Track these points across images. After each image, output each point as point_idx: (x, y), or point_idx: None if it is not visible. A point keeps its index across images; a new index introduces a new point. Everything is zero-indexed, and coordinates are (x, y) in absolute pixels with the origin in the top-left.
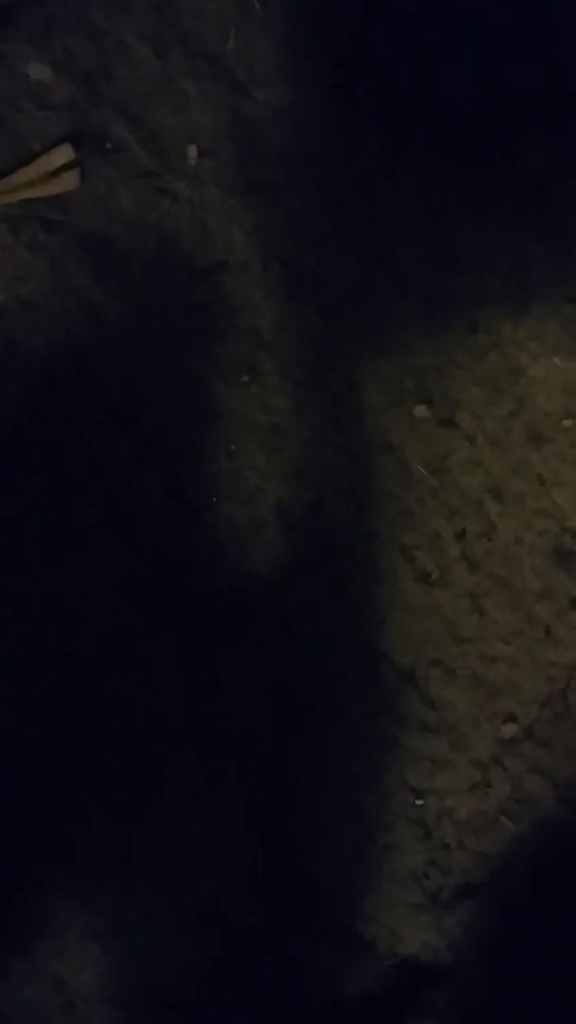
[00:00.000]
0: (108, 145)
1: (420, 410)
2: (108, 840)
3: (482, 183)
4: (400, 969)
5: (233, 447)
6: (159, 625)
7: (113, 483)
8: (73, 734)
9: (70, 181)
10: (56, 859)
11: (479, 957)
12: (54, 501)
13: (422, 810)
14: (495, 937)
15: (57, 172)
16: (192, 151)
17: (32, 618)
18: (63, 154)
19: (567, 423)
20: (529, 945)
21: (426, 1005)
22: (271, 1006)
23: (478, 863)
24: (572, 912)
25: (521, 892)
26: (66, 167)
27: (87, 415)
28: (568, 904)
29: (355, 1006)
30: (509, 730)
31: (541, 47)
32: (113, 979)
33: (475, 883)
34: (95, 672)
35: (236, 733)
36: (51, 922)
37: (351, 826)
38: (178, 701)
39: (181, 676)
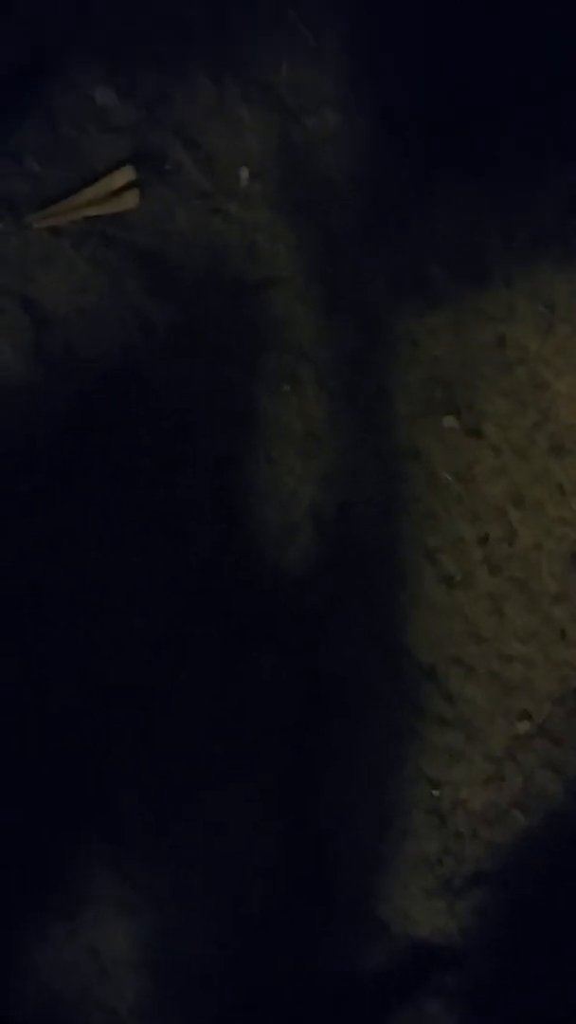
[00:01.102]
0: (167, 167)
1: (448, 420)
2: (145, 817)
3: (510, 207)
4: (412, 951)
5: (272, 453)
6: (200, 618)
7: (161, 485)
8: (118, 716)
9: (130, 200)
10: (96, 833)
11: (489, 943)
12: (106, 500)
13: (438, 800)
14: (504, 924)
15: (118, 192)
16: (244, 173)
17: (83, 610)
18: (124, 175)
19: None
20: (537, 933)
21: (436, 986)
22: (290, 979)
23: (490, 853)
24: None
25: (530, 882)
26: (127, 187)
27: (138, 419)
28: (574, 894)
29: (369, 983)
30: (523, 726)
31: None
32: (144, 948)
33: (486, 872)
34: (140, 659)
35: (267, 721)
36: (88, 892)
37: (371, 812)
38: (215, 690)
39: (219, 666)
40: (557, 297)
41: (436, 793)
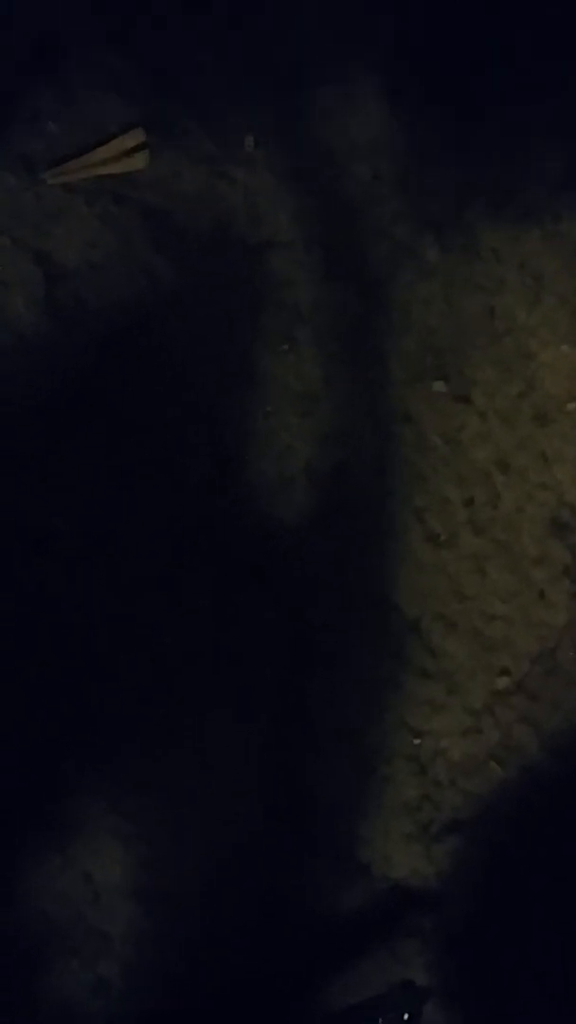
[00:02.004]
0: (176, 131)
1: (438, 386)
2: (138, 752)
3: (501, 182)
4: (391, 892)
5: (270, 409)
6: (194, 564)
7: (163, 435)
8: (113, 656)
9: (140, 161)
10: (92, 765)
11: (463, 886)
12: (109, 449)
13: (418, 749)
14: (478, 869)
15: (129, 152)
16: (249, 141)
17: (85, 552)
18: (135, 137)
19: (571, 406)
20: (509, 878)
21: (413, 926)
22: (274, 914)
23: (467, 801)
24: (550, 850)
25: (504, 830)
26: (137, 148)
27: (144, 371)
28: (547, 843)
29: (349, 922)
30: (502, 682)
31: (566, 62)
32: (136, 876)
33: (463, 819)
34: (138, 601)
35: (257, 665)
36: (83, 821)
37: (354, 757)
38: (208, 632)
39: (212, 611)
40: (545, 270)
41: (417, 742)
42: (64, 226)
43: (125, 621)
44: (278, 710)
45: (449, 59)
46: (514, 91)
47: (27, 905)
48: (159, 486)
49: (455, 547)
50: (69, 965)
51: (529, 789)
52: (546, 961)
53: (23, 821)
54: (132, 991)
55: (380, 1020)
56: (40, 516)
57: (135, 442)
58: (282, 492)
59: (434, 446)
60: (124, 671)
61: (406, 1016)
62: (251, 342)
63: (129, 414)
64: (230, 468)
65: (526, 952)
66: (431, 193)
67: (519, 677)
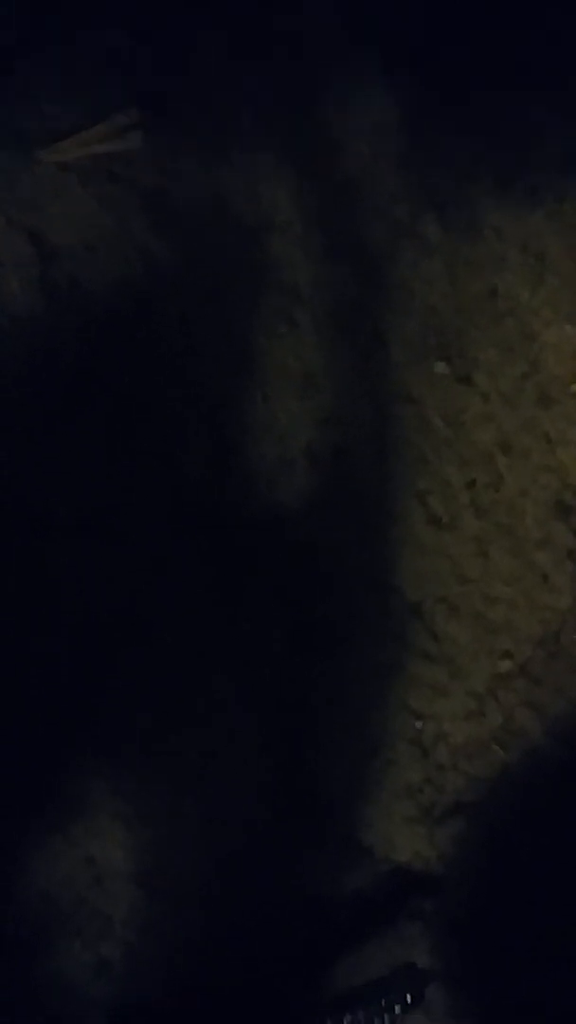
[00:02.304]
0: (172, 110)
1: (440, 367)
2: (141, 737)
3: (504, 160)
4: (394, 875)
5: (269, 391)
6: (194, 548)
7: (161, 418)
8: (113, 641)
9: (135, 140)
10: (94, 749)
11: (466, 869)
12: (107, 433)
13: (421, 732)
14: (481, 853)
15: (125, 131)
16: (247, 120)
17: (81, 537)
18: (131, 115)
19: (575, 387)
20: (511, 862)
21: (415, 910)
22: (276, 898)
23: (469, 784)
24: (553, 834)
25: (507, 814)
26: (133, 127)
27: (139, 354)
28: (550, 826)
29: (351, 905)
30: (505, 666)
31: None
32: (138, 861)
33: (466, 802)
34: (137, 587)
35: (258, 650)
36: (85, 805)
37: (357, 741)
38: (210, 619)
39: (212, 596)
40: (548, 249)
41: (419, 725)
42: (59, 205)
43: (122, 609)
44: (280, 694)
45: (452, 38)
46: (518, 70)
47: (29, 887)
48: (158, 470)
49: (457, 530)
50: (71, 947)
51: (532, 772)
52: (549, 944)
53: (24, 804)
54: (135, 972)
55: (383, 1002)
56: (36, 501)
57: (133, 425)
58: (282, 475)
59: (436, 428)
60: (125, 656)
61: (408, 998)
62: (249, 324)
63: (126, 397)
64: (230, 451)
65: (529, 935)
66: (432, 172)
67: (522, 660)
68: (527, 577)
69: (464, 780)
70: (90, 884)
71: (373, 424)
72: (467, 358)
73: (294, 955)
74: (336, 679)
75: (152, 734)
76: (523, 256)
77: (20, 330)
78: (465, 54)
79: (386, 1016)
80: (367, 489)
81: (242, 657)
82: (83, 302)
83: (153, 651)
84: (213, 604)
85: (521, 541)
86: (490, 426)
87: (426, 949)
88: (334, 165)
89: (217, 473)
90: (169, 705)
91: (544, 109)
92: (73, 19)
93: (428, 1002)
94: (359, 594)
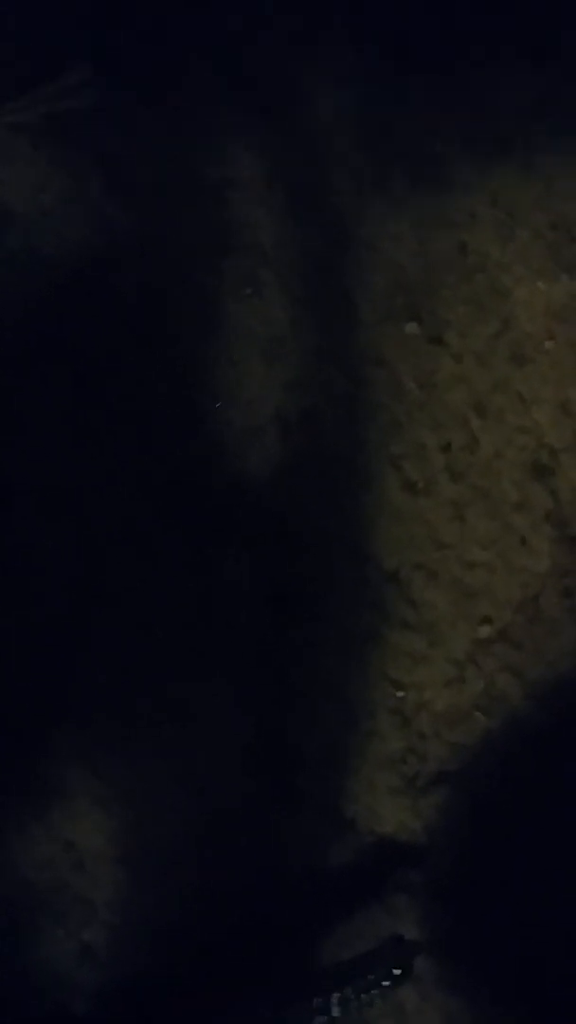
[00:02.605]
0: (126, 65)
1: (411, 327)
2: (116, 714)
3: (472, 113)
4: (378, 847)
5: (235, 356)
6: (165, 518)
7: (125, 386)
8: (85, 615)
9: (89, 98)
10: (69, 729)
11: (451, 839)
12: (70, 402)
13: (401, 701)
14: (466, 821)
15: (76, 89)
16: (205, 74)
17: (49, 509)
18: (82, 72)
19: (548, 344)
20: (497, 830)
21: (401, 881)
22: (259, 873)
23: (452, 752)
24: (537, 799)
25: (491, 780)
26: (86, 84)
27: (101, 321)
28: (534, 792)
29: (336, 878)
30: (484, 631)
31: None
32: (118, 841)
33: (449, 771)
34: (107, 559)
35: (233, 621)
36: (63, 788)
37: (336, 712)
38: (183, 590)
39: (184, 566)
40: (517, 203)
41: (400, 695)
42: (11, 169)
43: (92, 582)
44: (257, 668)
45: None
46: (484, 15)
47: (8, 875)
48: (124, 439)
49: (433, 494)
50: (54, 934)
51: (514, 738)
52: (536, 911)
53: (0, 790)
54: (120, 956)
55: (371, 976)
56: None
57: (97, 394)
58: (252, 443)
59: (408, 390)
60: (97, 633)
61: (397, 971)
62: (213, 287)
63: (89, 364)
64: (197, 419)
65: (516, 903)
66: (398, 125)
67: (502, 625)
68: (505, 540)
69: (447, 748)
70: (71, 869)
71: (343, 388)
72: (437, 317)
73: (280, 930)
74: (313, 650)
75: (128, 711)
76: (492, 210)
77: None
78: (431, 3)
79: (375, 989)
80: (339, 455)
81: (217, 629)
82: (41, 268)
83: (125, 625)
84: (186, 576)
85: (498, 504)
86: (463, 387)
87: (413, 920)
88: (297, 120)
89: (185, 441)
90: (144, 681)
91: (512, 55)
92: None
93: (417, 974)
94: (334, 562)
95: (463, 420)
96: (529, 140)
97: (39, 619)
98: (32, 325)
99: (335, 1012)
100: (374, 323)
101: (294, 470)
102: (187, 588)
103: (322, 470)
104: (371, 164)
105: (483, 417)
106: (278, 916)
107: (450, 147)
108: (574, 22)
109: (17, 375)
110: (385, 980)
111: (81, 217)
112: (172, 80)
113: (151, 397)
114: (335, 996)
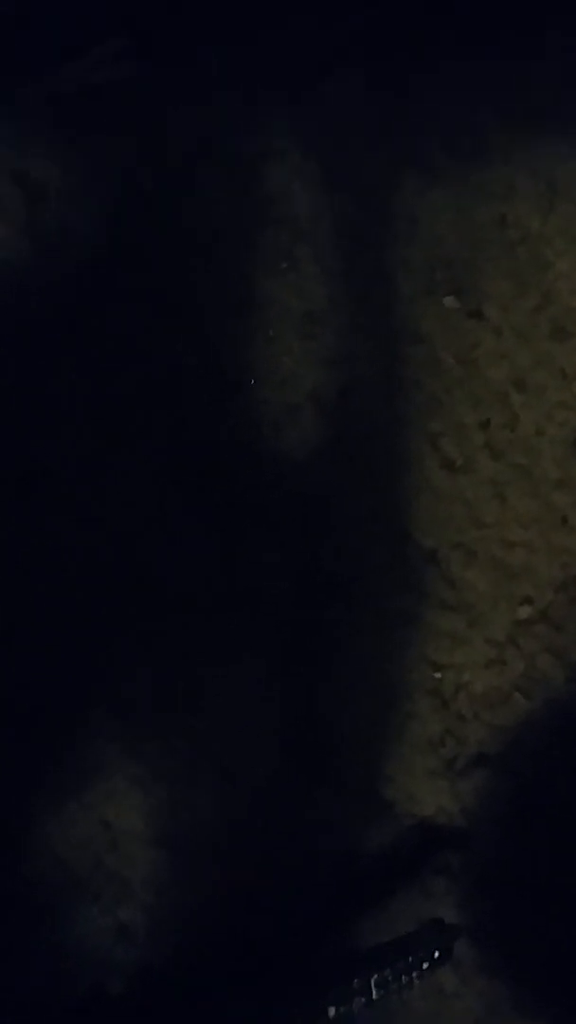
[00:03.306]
0: (162, 36)
1: (449, 301)
2: (152, 695)
3: (507, 82)
4: (417, 830)
5: (271, 332)
6: (197, 499)
7: (158, 363)
8: (120, 597)
9: (125, 70)
10: (105, 710)
11: (491, 822)
12: (98, 379)
13: (440, 683)
14: (506, 804)
15: (112, 61)
16: (240, 45)
17: (77, 490)
18: (118, 44)
19: None
20: (536, 813)
21: (440, 864)
22: (297, 856)
23: (492, 735)
24: None
25: (531, 763)
26: (120, 56)
27: (132, 296)
28: (574, 774)
29: (376, 861)
30: (524, 612)
31: None
32: (154, 822)
33: (488, 753)
34: (139, 541)
35: (269, 602)
36: (100, 768)
37: (374, 694)
38: (217, 571)
39: (218, 548)
40: (557, 174)
41: (438, 676)
42: (44, 142)
43: (125, 564)
44: (294, 650)
45: None
46: None
47: (45, 853)
48: (157, 418)
49: (472, 473)
50: (90, 912)
51: (556, 720)
52: (575, 896)
53: (36, 770)
54: (156, 936)
55: (410, 959)
56: (30, 452)
57: (129, 372)
58: (288, 421)
59: (447, 367)
60: (128, 613)
61: (436, 954)
62: (248, 261)
63: (122, 342)
64: (231, 397)
65: (557, 887)
66: (433, 95)
67: (542, 606)
68: (546, 519)
69: (486, 731)
70: (107, 848)
71: (381, 364)
72: (477, 291)
73: (318, 913)
74: (351, 631)
75: (162, 691)
76: (532, 182)
77: (8, 277)
78: None
79: (414, 972)
80: (377, 433)
81: (254, 612)
82: (74, 245)
83: (158, 607)
84: (220, 559)
85: (538, 482)
86: (503, 363)
87: (453, 904)
88: (331, 90)
89: (219, 420)
90: (178, 662)
91: (546, 25)
92: None
93: (456, 957)
94: (372, 542)
95: (503, 396)
96: (565, 109)
97: (72, 604)
98: (62, 301)
99: (375, 994)
100: (412, 298)
101: (331, 448)
102: (221, 570)
103: (359, 448)
104: (407, 134)
105: (523, 393)
106: (316, 899)
107: (487, 118)
108: None
109: (47, 353)
110: (425, 963)
111: (114, 191)
112: (207, 52)
113: (183, 375)
114: (375, 978)
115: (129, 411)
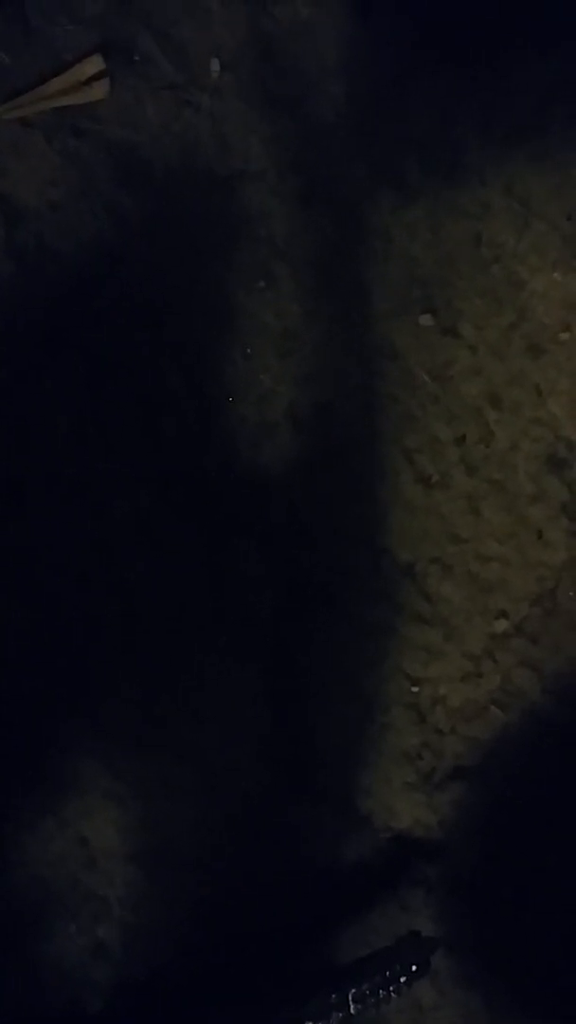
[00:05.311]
0: (136, 57)
1: (425, 319)
2: (131, 709)
3: (486, 101)
4: (394, 842)
5: (249, 350)
6: (178, 513)
7: (136, 381)
8: (101, 610)
9: (99, 91)
10: (83, 725)
11: (467, 834)
12: (80, 396)
13: (417, 696)
14: (482, 817)
15: (87, 82)
16: (215, 65)
17: (61, 506)
18: (93, 64)
19: (564, 336)
20: (513, 825)
21: (417, 876)
22: (275, 870)
23: (468, 748)
24: (555, 795)
25: (507, 776)
26: (96, 77)
27: (113, 315)
28: (551, 787)
29: (353, 874)
30: (500, 625)
31: None
32: (132, 838)
33: (465, 766)
34: (121, 555)
35: (248, 616)
36: (76, 783)
37: (352, 707)
38: (198, 585)
39: (199, 562)
40: (532, 193)
41: (415, 689)
42: (22, 164)
43: (107, 578)
44: (273, 663)
45: None
46: (500, 5)
47: (22, 871)
48: (136, 433)
49: (448, 488)
50: (67, 929)
51: (532, 733)
52: (553, 907)
53: (13, 785)
54: (134, 953)
55: (388, 973)
56: (11, 470)
57: (109, 390)
58: (265, 437)
59: (422, 383)
60: (109, 625)
61: (414, 968)
62: (226, 279)
63: (98, 361)
64: (210, 414)
65: (533, 898)
66: (410, 113)
67: (518, 620)
68: (521, 534)
69: (463, 744)
70: (85, 865)
71: (357, 381)
72: (452, 309)
73: (296, 927)
74: (328, 644)
75: (142, 705)
76: (507, 200)
77: None
78: None
79: (392, 986)
80: (353, 449)
81: (233, 626)
82: (52, 263)
83: (138, 619)
84: (200, 573)
85: (513, 497)
86: (478, 379)
87: (430, 917)
88: (307, 109)
89: (198, 435)
90: (158, 675)
91: (522, 42)
92: None
93: (434, 970)
94: (349, 557)
95: (478, 413)
96: (541, 127)
97: (53, 614)
98: (43, 320)
99: (352, 1009)
100: (388, 315)
101: (308, 464)
102: (201, 583)
103: (336, 464)
104: (384, 152)
105: (498, 409)
106: (294, 913)
107: (463, 137)
108: None
109: (28, 370)
110: (402, 976)
111: (92, 211)
112: (182, 71)
113: (163, 392)
114: (352, 992)
115: (110, 427)
